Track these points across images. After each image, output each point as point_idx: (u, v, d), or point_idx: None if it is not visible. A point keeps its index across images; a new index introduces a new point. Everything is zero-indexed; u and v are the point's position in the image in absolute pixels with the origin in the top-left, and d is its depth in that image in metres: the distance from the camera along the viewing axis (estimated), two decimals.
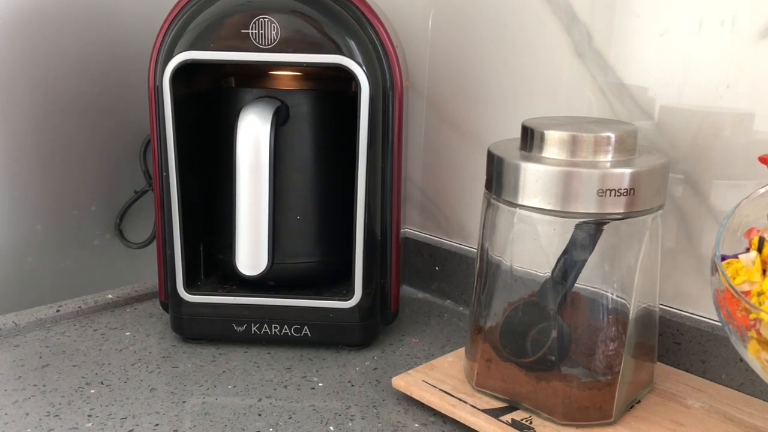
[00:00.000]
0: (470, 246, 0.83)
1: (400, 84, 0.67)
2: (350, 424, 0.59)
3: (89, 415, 0.59)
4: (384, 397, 0.63)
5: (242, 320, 0.70)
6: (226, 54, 0.64)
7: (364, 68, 0.64)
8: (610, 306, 0.58)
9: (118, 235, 0.87)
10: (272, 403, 0.62)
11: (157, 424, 0.58)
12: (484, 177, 0.59)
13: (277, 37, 0.63)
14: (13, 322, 0.73)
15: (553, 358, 0.57)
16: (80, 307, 0.77)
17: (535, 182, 0.54)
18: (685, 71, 0.63)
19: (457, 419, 0.58)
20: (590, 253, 0.56)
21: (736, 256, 0.49)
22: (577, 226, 0.55)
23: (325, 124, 0.71)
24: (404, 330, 0.76)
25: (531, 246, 0.57)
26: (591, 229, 0.55)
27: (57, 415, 0.59)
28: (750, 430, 0.57)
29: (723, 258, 0.49)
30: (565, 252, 0.56)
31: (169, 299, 0.71)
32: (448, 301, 0.84)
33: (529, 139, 0.57)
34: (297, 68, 0.73)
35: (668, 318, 0.66)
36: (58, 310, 0.76)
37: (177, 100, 0.66)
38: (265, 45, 0.64)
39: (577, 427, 0.56)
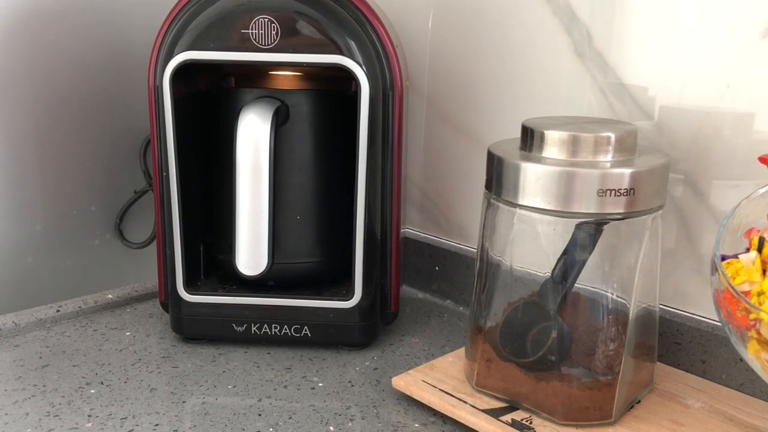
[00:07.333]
0: (470, 246, 0.82)
1: (400, 84, 0.67)
2: (350, 424, 0.59)
3: (89, 415, 0.59)
4: (384, 397, 0.63)
5: (242, 320, 0.70)
6: (226, 54, 0.64)
7: (364, 68, 0.64)
8: (610, 306, 0.58)
9: (118, 235, 0.87)
10: (272, 403, 0.62)
11: (157, 424, 0.58)
12: (484, 177, 0.59)
13: (277, 37, 0.63)
14: (13, 322, 0.73)
15: (553, 358, 0.57)
16: (80, 307, 0.77)
17: (535, 182, 0.54)
18: (685, 71, 0.63)
19: (457, 419, 0.58)
20: (590, 253, 0.56)
21: (736, 256, 0.49)
22: (577, 226, 0.55)
23: (325, 124, 0.71)
24: (404, 330, 0.76)
25: (531, 246, 0.57)
26: (591, 229, 0.55)
27: (57, 415, 0.59)
28: (750, 430, 0.57)
29: (723, 258, 0.49)
30: (565, 252, 0.56)
31: (169, 299, 0.71)
32: (448, 301, 0.84)
33: (529, 139, 0.57)
34: (297, 68, 0.73)
35: (668, 318, 0.66)
36: (58, 310, 0.76)
37: (177, 100, 0.66)
38: (265, 45, 0.64)
39: (577, 427, 0.56)
